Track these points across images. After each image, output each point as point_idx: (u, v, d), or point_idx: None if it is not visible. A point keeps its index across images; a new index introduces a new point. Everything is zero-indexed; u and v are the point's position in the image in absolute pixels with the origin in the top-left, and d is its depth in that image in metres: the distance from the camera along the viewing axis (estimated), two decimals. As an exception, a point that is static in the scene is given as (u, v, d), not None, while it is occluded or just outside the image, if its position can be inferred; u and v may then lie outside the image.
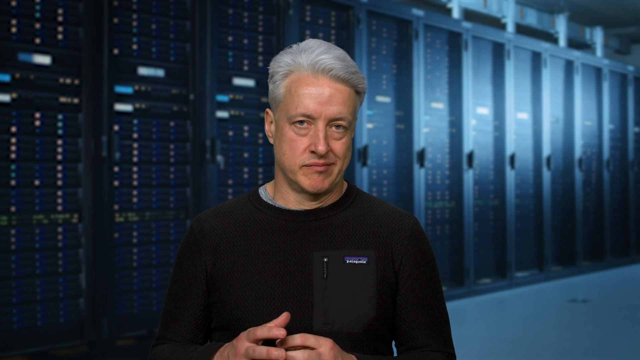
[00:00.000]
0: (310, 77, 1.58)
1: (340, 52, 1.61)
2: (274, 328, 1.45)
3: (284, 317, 1.48)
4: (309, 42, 1.62)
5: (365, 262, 1.62)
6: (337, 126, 1.59)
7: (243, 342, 1.47)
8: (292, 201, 1.66)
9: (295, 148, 1.59)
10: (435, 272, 1.70)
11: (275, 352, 1.43)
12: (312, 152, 1.58)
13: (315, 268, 1.61)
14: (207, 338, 1.70)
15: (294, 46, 1.63)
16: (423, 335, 1.65)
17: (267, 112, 1.68)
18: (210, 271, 1.65)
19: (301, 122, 1.59)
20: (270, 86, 1.65)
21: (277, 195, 1.68)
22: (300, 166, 1.59)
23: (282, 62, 1.62)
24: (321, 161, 1.58)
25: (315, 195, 1.64)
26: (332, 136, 1.59)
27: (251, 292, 1.61)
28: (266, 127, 1.69)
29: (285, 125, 1.60)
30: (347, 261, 1.61)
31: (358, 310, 1.60)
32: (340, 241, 1.63)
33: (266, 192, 1.72)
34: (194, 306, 1.66)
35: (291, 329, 1.57)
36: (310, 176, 1.60)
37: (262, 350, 1.44)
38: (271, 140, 1.68)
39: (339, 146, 1.60)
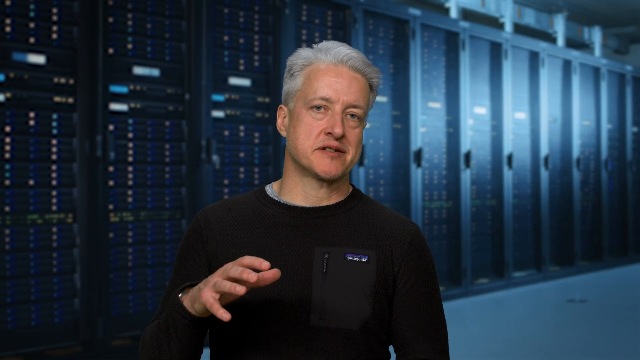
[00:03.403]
0: (330, 66, 1.66)
1: (356, 49, 1.70)
2: (246, 271, 1.40)
3: (273, 272, 1.43)
4: (328, 42, 1.70)
5: (365, 260, 1.63)
6: (352, 115, 1.65)
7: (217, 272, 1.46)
8: (300, 193, 1.69)
9: (311, 131, 1.63)
10: (434, 280, 1.70)
11: (247, 274, 1.40)
12: (328, 134, 1.63)
13: (316, 263, 1.62)
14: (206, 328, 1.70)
15: (314, 45, 1.70)
16: (418, 340, 1.65)
17: (280, 108, 1.73)
18: (212, 261, 1.66)
19: (318, 107, 1.63)
20: (287, 80, 1.70)
21: (284, 190, 1.71)
22: (314, 149, 1.63)
23: (302, 54, 1.69)
24: (335, 143, 1.63)
25: (326, 183, 1.67)
26: (347, 124, 1.65)
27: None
28: (278, 122, 1.74)
29: (302, 110, 1.65)
30: (348, 258, 1.63)
31: (355, 307, 1.60)
32: (342, 239, 1.65)
33: (272, 189, 1.74)
34: None
35: (288, 323, 1.58)
36: (323, 161, 1.63)
37: (237, 269, 1.42)
38: (283, 134, 1.72)
39: (352, 135, 1.65)
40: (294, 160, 1.67)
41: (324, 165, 1.63)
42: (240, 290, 1.38)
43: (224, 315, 1.39)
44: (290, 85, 1.69)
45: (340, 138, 1.63)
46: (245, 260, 1.43)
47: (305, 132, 1.64)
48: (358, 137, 1.66)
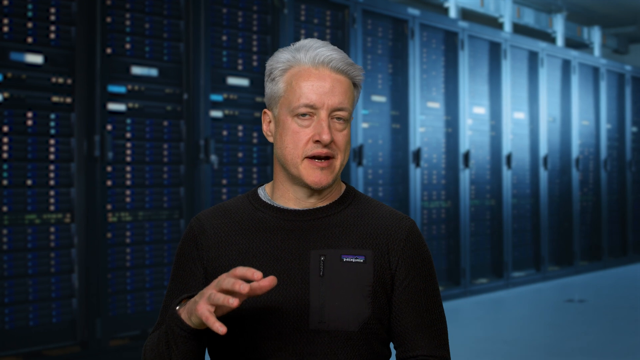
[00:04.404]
0: (311, 69, 1.61)
1: (336, 47, 1.65)
2: (238, 282, 1.40)
3: (269, 279, 1.43)
4: (305, 41, 1.65)
5: (362, 260, 1.62)
6: (339, 118, 1.62)
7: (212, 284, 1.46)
8: (292, 198, 1.67)
9: (299, 140, 1.60)
10: (432, 275, 1.69)
11: (239, 285, 1.40)
12: (316, 142, 1.60)
13: (312, 266, 1.60)
14: (206, 334, 1.69)
15: (291, 45, 1.65)
16: (417, 337, 1.64)
17: (264, 112, 1.69)
18: (208, 268, 1.65)
19: (304, 114, 1.60)
20: (268, 84, 1.66)
21: (276, 194, 1.68)
22: (303, 158, 1.61)
23: (281, 58, 1.64)
24: (324, 151, 1.59)
25: (317, 190, 1.65)
26: (334, 127, 1.61)
27: None
28: (264, 127, 1.70)
29: (287, 118, 1.61)
30: (344, 259, 1.61)
31: (353, 308, 1.59)
32: (338, 240, 1.63)
33: (265, 192, 1.72)
34: None
35: (287, 327, 1.57)
36: (313, 172, 1.61)
37: (230, 281, 1.41)
38: (270, 139, 1.69)
39: (340, 138, 1.62)
40: (283, 168, 1.65)
41: (314, 176, 1.61)
42: (234, 302, 1.38)
43: (220, 328, 1.38)
44: (272, 90, 1.65)
45: (329, 144, 1.60)
46: (237, 271, 1.42)
47: (293, 141, 1.61)
48: (346, 138, 1.63)
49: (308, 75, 1.60)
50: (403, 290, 1.64)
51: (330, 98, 1.60)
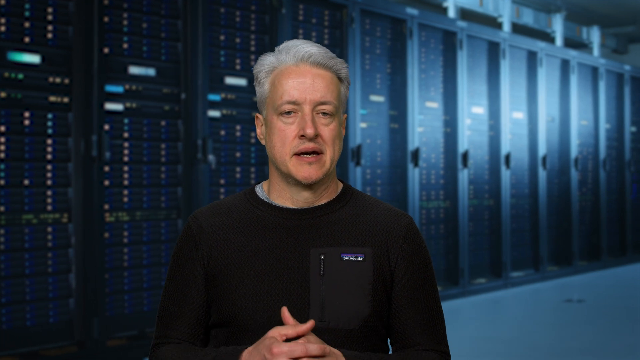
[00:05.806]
0: (292, 67, 1.63)
1: (318, 44, 1.67)
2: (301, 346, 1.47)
3: (286, 314, 1.50)
4: (290, 42, 1.67)
5: (362, 259, 1.63)
6: (324, 113, 1.62)
7: (279, 345, 1.47)
8: (289, 198, 1.68)
9: (285, 137, 1.62)
10: (430, 271, 1.70)
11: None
12: (301, 137, 1.61)
13: (312, 265, 1.61)
14: (207, 335, 1.69)
15: (276, 48, 1.68)
16: (417, 333, 1.65)
17: (256, 117, 1.72)
18: (208, 267, 1.66)
19: (288, 112, 1.62)
20: (257, 88, 1.69)
21: (273, 194, 1.70)
22: (291, 155, 1.62)
23: (266, 60, 1.67)
24: (310, 145, 1.60)
25: (310, 187, 1.66)
26: (319, 122, 1.62)
27: (248, 289, 1.61)
28: (257, 131, 1.72)
29: (273, 117, 1.64)
30: (344, 258, 1.62)
31: (354, 307, 1.60)
32: (337, 238, 1.64)
33: (262, 190, 1.73)
34: (194, 302, 1.66)
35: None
36: (302, 167, 1.62)
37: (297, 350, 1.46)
38: (263, 142, 1.71)
39: (327, 132, 1.62)
40: (277, 168, 1.67)
41: (303, 171, 1.62)
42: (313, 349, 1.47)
43: None
44: (259, 92, 1.68)
45: (315, 138, 1.61)
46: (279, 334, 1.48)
47: (280, 140, 1.62)
48: (333, 133, 1.63)
49: (289, 73, 1.63)
50: (402, 286, 1.66)
51: (312, 93, 1.61)
